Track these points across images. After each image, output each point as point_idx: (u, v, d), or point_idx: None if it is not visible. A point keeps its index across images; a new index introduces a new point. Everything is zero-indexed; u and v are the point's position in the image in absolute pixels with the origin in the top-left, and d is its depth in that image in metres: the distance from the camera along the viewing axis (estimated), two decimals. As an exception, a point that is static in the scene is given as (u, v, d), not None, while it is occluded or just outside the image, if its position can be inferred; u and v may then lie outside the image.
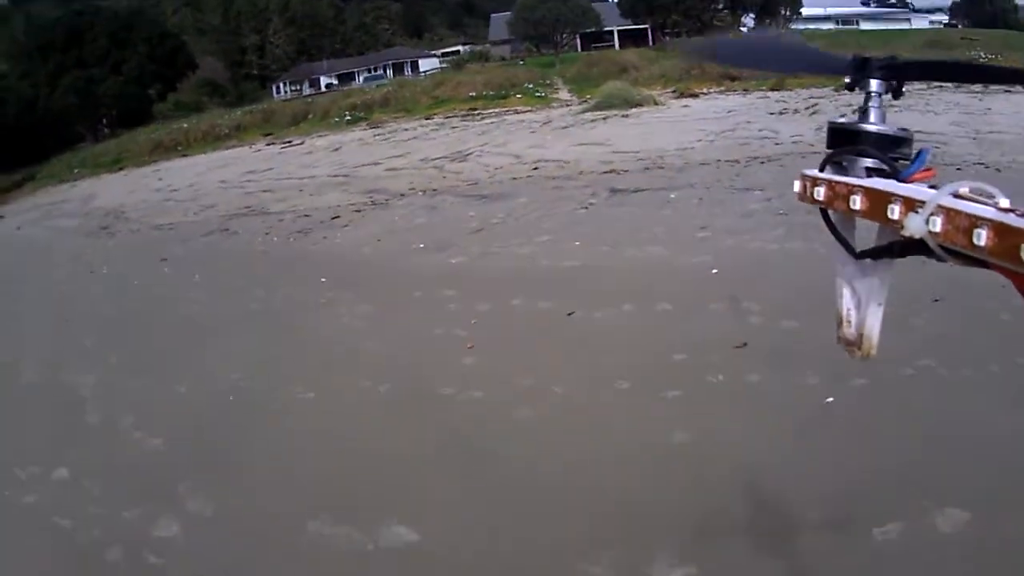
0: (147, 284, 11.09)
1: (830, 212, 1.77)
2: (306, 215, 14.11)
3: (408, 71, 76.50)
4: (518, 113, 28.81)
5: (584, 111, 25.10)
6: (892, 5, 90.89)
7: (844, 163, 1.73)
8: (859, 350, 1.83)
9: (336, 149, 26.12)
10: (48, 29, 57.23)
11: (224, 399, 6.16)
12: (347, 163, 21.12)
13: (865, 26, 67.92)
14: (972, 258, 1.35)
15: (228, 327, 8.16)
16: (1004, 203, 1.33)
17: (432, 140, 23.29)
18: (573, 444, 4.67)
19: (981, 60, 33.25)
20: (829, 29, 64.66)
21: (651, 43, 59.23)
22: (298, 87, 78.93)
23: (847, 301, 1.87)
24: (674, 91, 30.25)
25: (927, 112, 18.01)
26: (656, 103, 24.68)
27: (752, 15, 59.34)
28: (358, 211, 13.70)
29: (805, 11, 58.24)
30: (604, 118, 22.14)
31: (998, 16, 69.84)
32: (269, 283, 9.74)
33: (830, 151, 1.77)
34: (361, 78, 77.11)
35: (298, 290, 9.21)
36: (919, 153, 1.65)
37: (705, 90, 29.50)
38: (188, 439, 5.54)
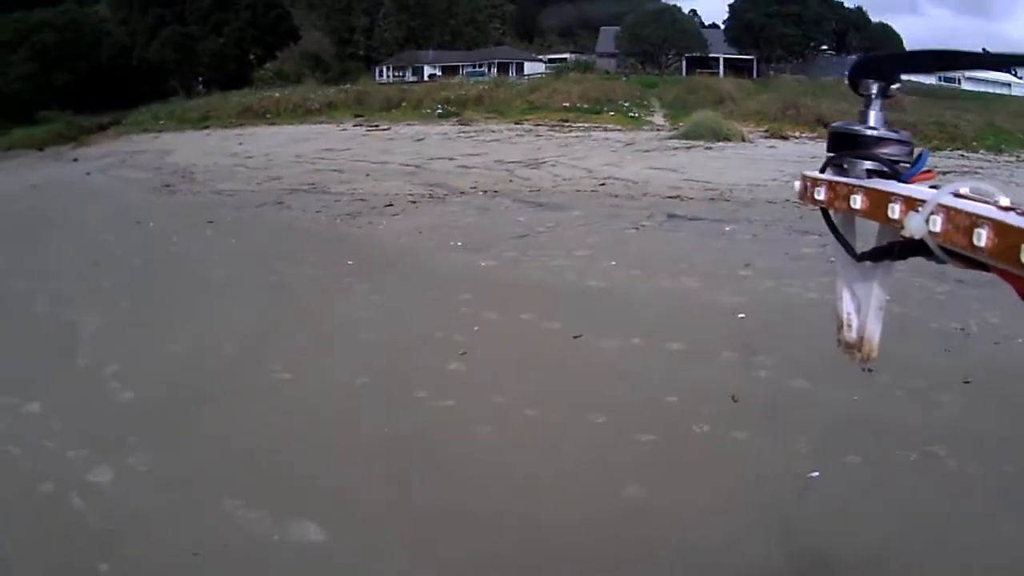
0: (185, 242, 11.24)
1: (831, 213, 1.78)
2: (362, 199, 14.05)
3: (512, 72, 76.54)
4: (607, 131, 28.59)
5: (671, 137, 24.84)
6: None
7: (845, 165, 1.71)
8: (859, 353, 1.83)
9: (419, 140, 26.13)
10: None
11: (207, 365, 6.17)
12: (423, 154, 21.05)
13: (967, 86, 66.12)
14: (972, 260, 1.34)
15: (242, 295, 8.20)
16: (1004, 202, 1.31)
17: (514, 145, 23.19)
18: (520, 471, 4.50)
19: None
20: (930, 84, 63.22)
21: (755, 74, 58.77)
22: (401, 73, 79.49)
23: (847, 304, 1.87)
24: (766, 130, 29.75)
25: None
26: (744, 139, 24.34)
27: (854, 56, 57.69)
28: (414, 202, 13.63)
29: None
30: (688, 147, 21.83)
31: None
32: (298, 259, 9.78)
33: (831, 154, 1.76)
34: (464, 72, 77.46)
35: (322, 270, 9.21)
36: (919, 155, 1.64)
37: (797, 134, 28.94)
38: (158, 398, 5.58)
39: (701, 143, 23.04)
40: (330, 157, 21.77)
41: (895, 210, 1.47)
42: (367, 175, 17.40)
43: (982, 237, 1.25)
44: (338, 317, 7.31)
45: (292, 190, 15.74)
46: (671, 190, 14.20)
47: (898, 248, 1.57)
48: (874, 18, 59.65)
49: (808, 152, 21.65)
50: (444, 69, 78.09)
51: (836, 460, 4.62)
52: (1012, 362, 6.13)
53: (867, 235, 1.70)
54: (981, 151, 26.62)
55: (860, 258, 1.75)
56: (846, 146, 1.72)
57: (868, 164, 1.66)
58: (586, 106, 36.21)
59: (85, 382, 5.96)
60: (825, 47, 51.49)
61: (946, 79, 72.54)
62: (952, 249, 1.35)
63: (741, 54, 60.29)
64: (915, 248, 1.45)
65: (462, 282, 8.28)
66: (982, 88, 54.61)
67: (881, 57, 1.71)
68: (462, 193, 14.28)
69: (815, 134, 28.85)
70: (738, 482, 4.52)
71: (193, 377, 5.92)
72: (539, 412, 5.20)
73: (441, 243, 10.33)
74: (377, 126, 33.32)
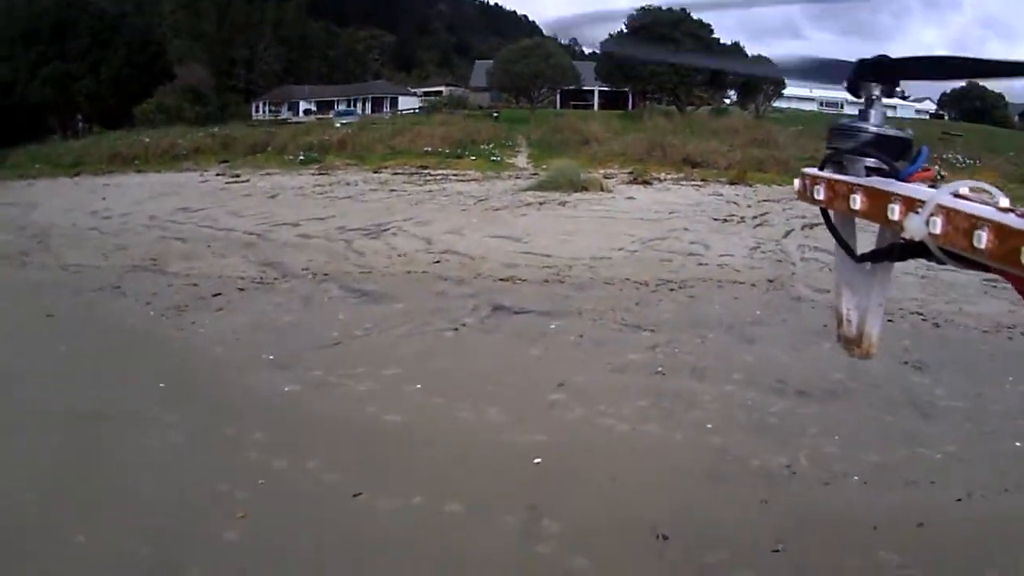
0: (18, 345, 10.77)
1: (831, 213, 1.87)
2: (195, 283, 13.71)
3: (387, 107, 76.67)
4: (464, 180, 28.62)
5: (527, 188, 24.85)
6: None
7: (844, 162, 1.80)
8: (859, 348, 1.93)
9: (273, 196, 25.91)
10: (36, 17, 57.66)
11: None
12: (271, 218, 20.77)
13: (849, 109, 68.02)
14: (972, 261, 1.40)
15: (52, 428, 7.74)
16: (1004, 203, 1.40)
17: (364, 203, 23.01)
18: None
19: (958, 163, 34.30)
20: (811, 110, 64.91)
21: (631, 106, 59.46)
22: (277, 109, 78.81)
23: (847, 301, 1.96)
24: (631, 172, 29.82)
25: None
26: (602, 188, 24.38)
27: (733, 92, 59.36)
28: (242, 289, 13.29)
29: (788, 91, 58.02)
30: (541, 202, 21.79)
31: (987, 111, 70.31)
32: (117, 377, 9.29)
33: (830, 150, 1.85)
34: (336, 110, 77.14)
35: (135, 395, 8.65)
36: (918, 152, 1.73)
37: (663, 175, 29.20)
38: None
39: (557, 195, 23.01)
40: (182, 220, 21.46)
41: (895, 211, 1.55)
42: (208, 246, 17.16)
43: (982, 239, 1.31)
44: (132, 464, 6.90)
45: (132, 267, 15.45)
46: (507, 269, 13.92)
47: (898, 250, 1.68)
48: (753, 48, 61.21)
49: (670, 203, 21.82)
50: (319, 104, 78.08)
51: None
52: (836, 514, 5.53)
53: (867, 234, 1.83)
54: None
55: (860, 259, 1.87)
56: (845, 142, 1.82)
57: (867, 161, 1.75)
58: (447, 151, 36.36)
59: None
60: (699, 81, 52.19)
61: (828, 104, 74.74)
62: (952, 251, 1.43)
63: (614, 87, 60.99)
64: (915, 249, 1.54)
65: (261, 415, 7.91)
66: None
67: (881, 61, 1.76)
68: (292, 277, 14.01)
69: (681, 174, 29.33)
70: None
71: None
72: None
73: (254, 355, 9.91)
74: (238, 176, 33.23)
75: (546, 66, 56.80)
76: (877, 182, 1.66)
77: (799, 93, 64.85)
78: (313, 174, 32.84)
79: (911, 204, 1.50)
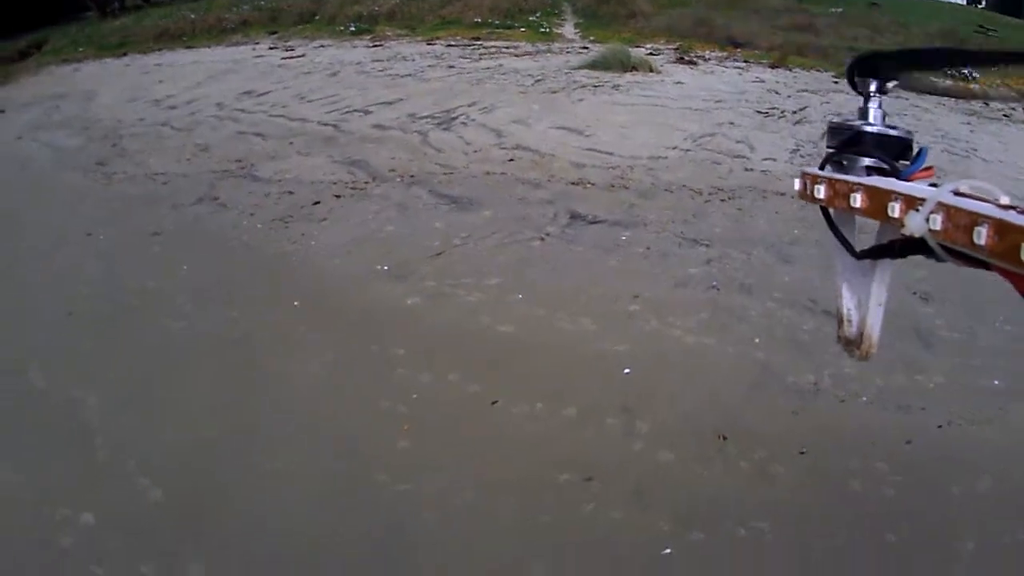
0: (139, 270, 11.07)
1: (831, 211, 1.92)
2: (290, 191, 13.97)
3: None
4: (517, 56, 28.38)
5: (579, 66, 24.89)
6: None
7: (844, 162, 1.86)
8: (859, 349, 1.96)
9: (334, 74, 25.66)
10: None
11: (203, 462, 6.53)
12: (340, 101, 20.79)
13: None
14: (973, 258, 1.44)
15: (209, 360, 8.34)
16: (1005, 200, 1.41)
17: (426, 83, 22.90)
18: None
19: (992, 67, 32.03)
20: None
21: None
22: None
23: (847, 300, 1.99)
24: (676, 48, 29.76)
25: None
26: (651, 69, 24.37)
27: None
28: (338, 196, 13.59)
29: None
30: (595, 84, 21.80)
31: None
32: (248, 297, 9.87)
33: (830, 150, 1.91)
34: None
35: (274, 315, 9.29)
36: (919, 152, 1.78)
37: (706, 54, 28.95)
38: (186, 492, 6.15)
39: (609, 76, 23.16)
40: (251, 108, 21.44)
41: (895, 208, 1.59)
42: (290, 143, 17.22)
43: (982, 235, 1.34)
44: (301, 387, 7.64)
45: (222, 173, 15.48)
46: (575, 170, 14.23)
47: (898, 246, 1.68)
48: None
49: (715, 89, 21.89)
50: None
51: (686, 538, 5.39)
52: (847, 427, 6.59)
53: (866, 231, 1.90)
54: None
55: (860, 256, 1.89)
56: (846, 142, 1.86)
57: (868, 161, 1.80)
58: (497, 21, 35.99)
59: (115, 482, 6.31)
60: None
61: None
62: (953, 247, 1.46)
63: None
64: (915, 246, 1.57)
65: (394, 329, 8.63)
66: None
67: (880, 55, 1.80)
68: (381, 181, 14.28)
69: (724, 53, 29.04)
70: (585, 558, 5.29)
71: (197, 476, 6.33)
72: (472, 497, 5.88)
73: (369, 268, 10.48)
74: (292, 50, 32.88)
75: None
76: (878, 181, 1.71)
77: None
78: (367, 46, 32.38)
79: (911, 202, 1.55)
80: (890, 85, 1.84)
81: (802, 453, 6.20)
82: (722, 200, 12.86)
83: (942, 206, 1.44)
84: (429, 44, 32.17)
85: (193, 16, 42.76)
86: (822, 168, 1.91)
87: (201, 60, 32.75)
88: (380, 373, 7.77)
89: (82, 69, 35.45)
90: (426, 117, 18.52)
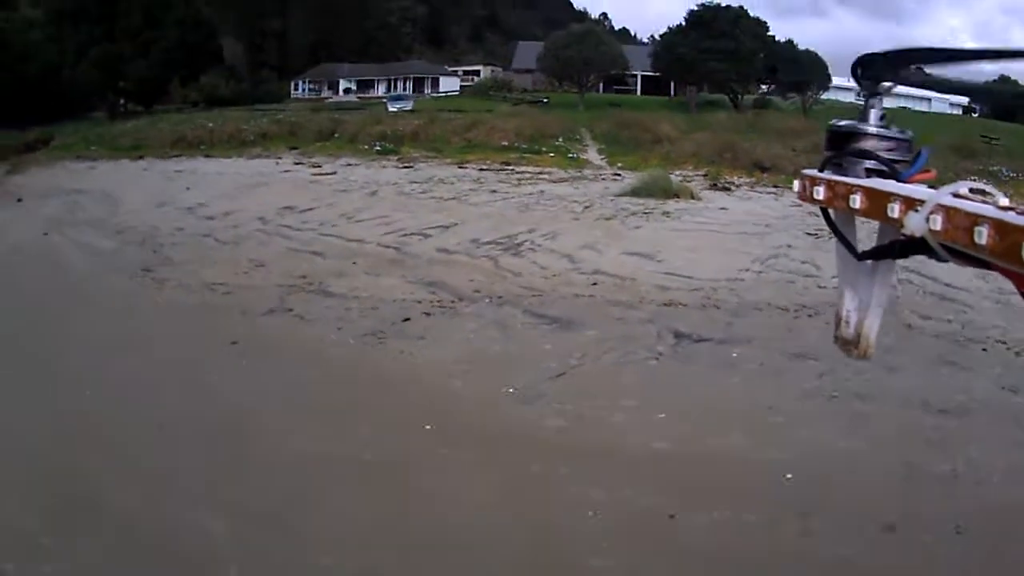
0: (224, 381, 10.60)
1: (831, 212, 1.90)
2: (373, 307, 13.54)
3: (427, 87, 77.33)
4: (555, 182, 28.52)
5: (622, 193, 24.91)
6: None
7: (844, 164, 1.84)
8: (856, 349, 1.95)
9: (373, 193, 25.66)
10: None
11: None
12: (392, 223, 20.55)
13: (887, 103, 66.68)
14: (974, 258, 1.44)
15: (343, 482, 7.81)
16: (1004, 202, 1.42)
17: (475, 207, 22.83)
18: None
19: (1002, 176, 32.41)
20: (849, 102, 64.05)
21: (672, 93, 60.10)
22: (317, 87, 79.62)
23: (848, 301, 1.98)
24: (706, 174, 30.10)
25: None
26: (692, 196, 24.58)
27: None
28: (427, 314, 13.21)
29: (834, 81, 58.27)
30: (645, 212, 21.77)
31: (1019, 108, 66.99)
32: (371, 417, 9.32)
33: (829, 153, 1.89)
34: (380, 88, 77.97)
35: (407, 437, 8.80)
36: (918, 154, 1.78)
37: (735, 179, 29.29)
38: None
39: (655, 204, 23.11)
40: (297, 224, 21.22)
41: (895, 209, 1.58)
42: (353, 263, 16.88)
43: (983, 235, 1.35)
44: (466, 507, 7.26)
45: (290, 288, 15.06)
46: (661, 292, 14.09)
47: (899, 246, 1.68)
48: (777, 27, 60.57)
49: (759, 214, 22.00)
50: (360, 84, 78.61)
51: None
52: (989, 505, 7.09)
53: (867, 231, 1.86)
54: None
55: (860, 257, 1.89)
56: (844, 145, 1.85)
57: (867, 163, 1.79)
58: (524, 146, 36.34)
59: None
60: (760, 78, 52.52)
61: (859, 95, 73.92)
62: (953, 247, 1.46)
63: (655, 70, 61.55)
64: (916, 246, 1.57)
65: (549, 449, 8.40)
66: (901, 103, 55.63)
67: (880, 54, 1.79)
68: (469, 300, 13.95)
69: (752, 179, 29.35)
70: None
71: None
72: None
73: (493, 388, 10.09)
74: (320, 168, 32.88)
75: (596, 53, 57.64)
76: (877, 183, 1.70)
77: (842, 83, 61.15)
78: (397, 167, 32.54)
79: (911, 203, 1.55)
80: (886, 84, 1.84)
81: (958, 533, 6.59)
82: (809, 316, 12.88)
83: (942, 207, 1.45)
84: (460, 167, 32.31)
85: (211, 125, 43.06)
86: (821, 170, 1.89)
87: (225, 171, 32.79)
88: (549, 493, 7.54)
89: (97, 167, 35.79)
90: (490, 243, 18.38)
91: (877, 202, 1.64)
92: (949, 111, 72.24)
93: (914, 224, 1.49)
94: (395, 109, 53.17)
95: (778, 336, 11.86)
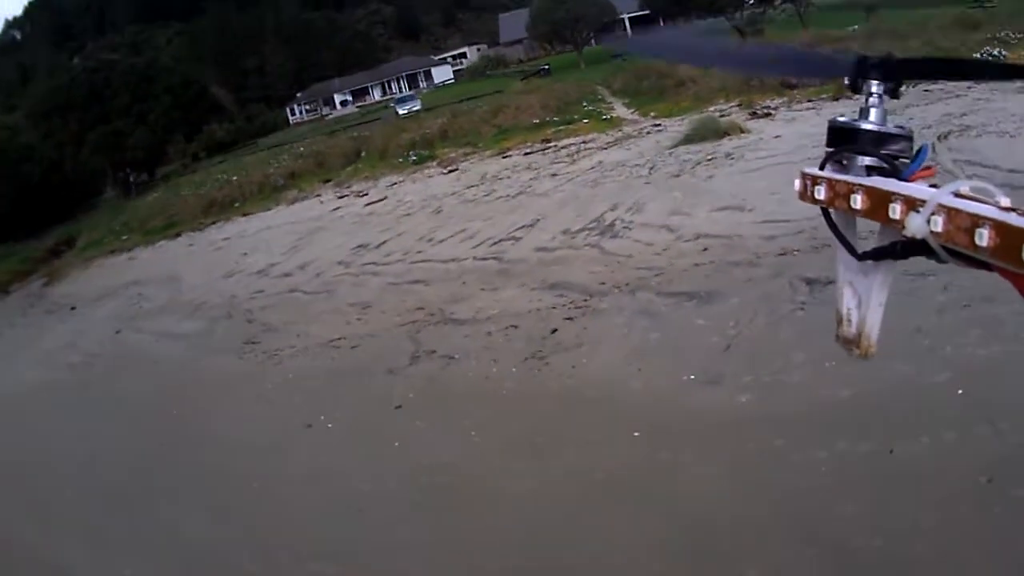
0: (410, 447, 10.61)
1: (831, 211, 1.89)
2: (513, 326, 13.39)
3: (423, 82, 77.58)
4: (603, 148, 28.14)
5: (675, 144, 24.69)
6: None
7: (844, 161, 1.83)
8: (858, 348, 1.94)
9: (437, 211, 25.07)
10: (66, 90, 57.09)
11: None
12: (476, 236, 20.22)
13: None
14: (974, 259, 1.43)
15: (599, 509, 8.04)
16: (1005, 203, 1.41)
17: (545, 196, 22.49)
18: None
19: (1011, 39, 31.17)
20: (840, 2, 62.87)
21: (661, 25, 59.89)
22: (314, 107, 80.00)
23: (848, 300, 1.97)
24: (739, 104, 29.90)
25: None
26: (742, 130, 24.36)
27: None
28: (569, 319, 13.13)
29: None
30: (708, 159, 21.46)
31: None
32: (575, 439, 9.45)
33: (830, 150, 1.88)
34: (376, 93, 78.38)
35: (620, 450, 8.99)
36: (919, 151, 1.75)
37: (770, 103, 28.97)
38: None
39: (710, 146, 23.01)
40: (380, 260, 20.86)
41: (896, 210, 1.58)
42: (463, 282, 16.60)
43: (984, 237, 1.35)
44: (732, 513, 7.50)
45: (415, 324, 14.83)
46: (770, 243, 13.89)
47: (900, 247, 1.67)
48: None
49: (809, 136, 21.31)
50: (354, 93, 79.04)
51: None
52: None
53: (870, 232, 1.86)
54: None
55: (861, 257, 1.88)
56: (845, 142, 1.84)
57: (867, 160, 1.78)
58: (555, 119, 35.86)
59: None
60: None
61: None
62: (954, 248, 1.46)
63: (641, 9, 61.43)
64: (917, 247, 1.57)
65: (752, 426, 8.69)
66: None
67: (881, 60, 1.78)
68: (599, 295, 13.80)
69: (784, 98, 29.03)
70: None
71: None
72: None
73: (670, 378, 10.25)
74: (365, 194, 32.45)
75: (584, 9, 57.76)
76: (878, 182, 1.70)
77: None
78: (443, 174, 31.93)
79: (912, 203, 1.54)
80: (887, 85, 1.82)
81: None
82: None
83: (943, 207, 1.46)
84: (504, 157, 31.93)
85: (235, 178, 42.41)
86: (822, 168, 1.91)
87: (272, 224, 32.27)
88: (780, 462, 7.97)
89: (138, 257, 35.13)
90: (582, 230, 18.16)
91: (878, 202, 1.66)
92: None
93: (915, 226, 1.51)
94: (405, 111, 53.67)
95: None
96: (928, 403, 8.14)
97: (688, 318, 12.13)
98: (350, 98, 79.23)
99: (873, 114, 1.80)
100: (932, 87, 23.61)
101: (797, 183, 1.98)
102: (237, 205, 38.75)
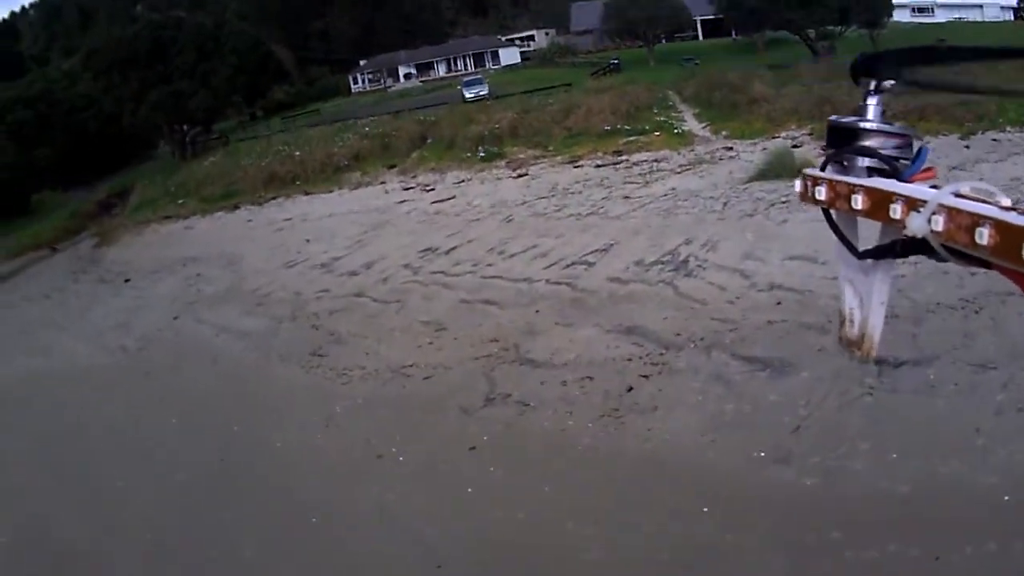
0: (484, 494, 10.58)
1: (832, 212, 1.91)
2: (589, 377, 13.15)
3: (488, 61, 77.56)
4: (676, 172, 27.79)
5: (750, 180, 24.32)
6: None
7: (845, 162, 1.85)
8: (860, 350, 1.97)
9: (508, 220, 25.00)
10: (129, 44, 57.15)
11: None
12: (548, 254, 20.07)
13: (940, 16, 66.14)
14: (974, 258, 1.45)
15: None
16: (1005, 202, 1.43)
17: (618, 219, 22.26)
18: None
19: None
20: (907, 21, 62.42)
21: (732, 34, 59.64)
22: (377, 78, 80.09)
23: (850, 301, 1.99)
24: (811, 133, 29.42)
25: None
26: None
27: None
28: (645, 376, 12.86)
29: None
30: (783, 201, 20.89)
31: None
32: (649, 509, 9.46)
33: (830, 151, 1.90)
34: (440, 69, 78.78)
35: (691, 527, 9.00)
36: (919, 152, 1.77)
37: None
38: None
39: (783, 186, 22.16)
40: (450, 270, 20.69)
41: (896, 210, 1.59)
42: (536, 311, 16.44)
43: (984, 236, 1.38)
44: None
45: (487, 359, 14.62)
46: (837, 301, 13.21)
47: (900, 246, 1.67)
48: None
49: None
50: (419, 67, 78.99)
51: None
52: None
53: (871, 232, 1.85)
54: (1009, 128, 25.52)
55: (862, 256, 1.89)
56: (846, 142, 1.84)
57: (868, 161, 1.79)
58: (627, 127, 35.41)
59: None
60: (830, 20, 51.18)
61: (919, 9, 73.10)
62: (954, 247, 1.48)
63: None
64: (917, 246, 1.58)
65: (818, 513, 8.79)
66: (956, 15, 54.73)
67: (880, 54, 1.77)
68: (675, 348, 13.56)
69: None
70: None
71: None
72: None
73: (744, 454, 10.22)
74: (432, 188, 32.37)
75: (658, 8, 57.69)
76: (879, 183, 1.70)
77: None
78: (512, 177, 31.70)
79: (913, 203, 1.54)
80: (887, 84, 1.84)
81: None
82: (975, 312, 12.69)
83: (943, 207, 1.47)
84: (575, 167, 31.63)
85: (298, 153, 42.13)
86: (823, 169, 1.93)
87: (335, 210, 32.19)
88: (839, 555, 8.10)
89: (195, 227, 35.13)
90: (656, 263, 18.00)
91: (879, 203, 1.67)
92: (1001, 17, 70.30)
93: (916, 225, 1.52)
94: (472, 95, 53.79)
95: (958, 344, 11.79)
96: (977, 508, 8.29)
97: (761, 390, 11.95)
98: (414, 72, 79.15)
99: (872, 113, 1.84)
100: (1000, 136, 23.71)
101: (798, 184, 2.03)
102: (298, 183, 38.72)
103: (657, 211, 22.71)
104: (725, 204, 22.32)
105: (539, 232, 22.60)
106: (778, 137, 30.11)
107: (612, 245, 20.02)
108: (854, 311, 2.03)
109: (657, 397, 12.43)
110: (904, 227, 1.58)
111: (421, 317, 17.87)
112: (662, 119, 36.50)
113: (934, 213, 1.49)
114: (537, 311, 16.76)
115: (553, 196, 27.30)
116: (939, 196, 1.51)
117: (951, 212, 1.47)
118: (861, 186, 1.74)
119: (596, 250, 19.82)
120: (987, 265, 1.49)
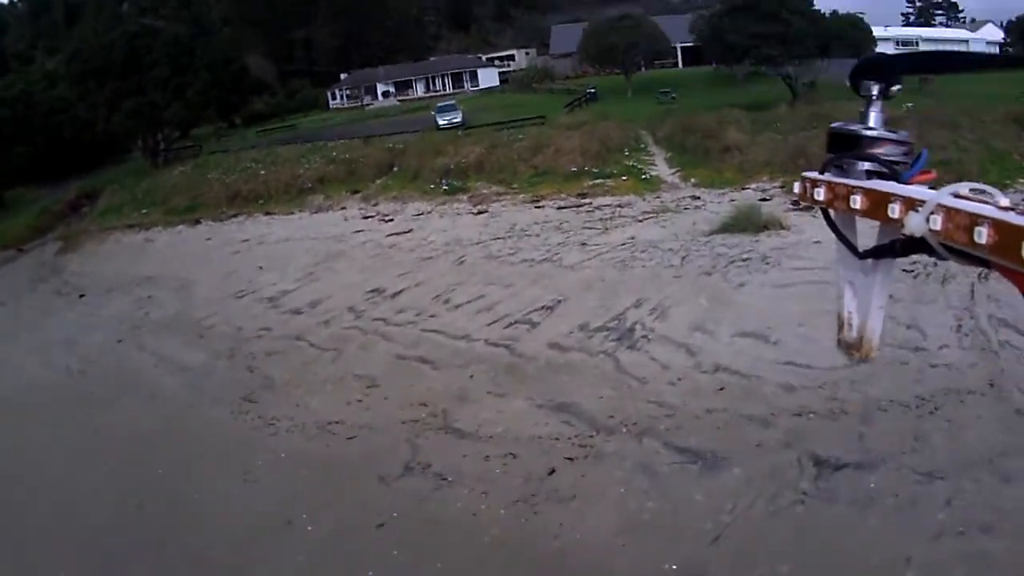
0: None
1: (832, 213, 1.93)
2: (512, 455, 12.75)
3: (467, 83, 77.36)
4: (638, 220, 27.40)
5: (712, 232, 23.85)
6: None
7: (844, 166, 1.87)
8: (859, 352, 1.97)
9: (460, 261, 24.59)
10: (104, 53, 56.34)
11: None
12: (493, 308, 19.57)
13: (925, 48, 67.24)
14: (973, 257, 1.47)
15: None
16: (1004, 202, 1.44)
17: (571, 270, 21.83)
18: None
19: None
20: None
21: (712, 63, 59.42)
22: (356, 95, 79.84)
23: (849, 303, 2.00)
24: (782, 186, 28.83)
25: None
26: (782, 226, 23.34)
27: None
28: (570, 459, 12.43)
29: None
30: (744, 259, 20.54)
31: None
32: None
33: (830, 155, 1.92)
34: (419, 88, 78.19)
35: None
36: (919, 155, 1.80)
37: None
38: None
39: (747, 241, 22.19)
40: (393, 318, 20.26)
41: (895, 210, 1.62)
42: (470, 376, 16.02)
43: (983, 235, 1.39)
44: None
45: (414, 424, 14.28)
46: (788, 395, 13.17)
47: (899, 245, 1.70)
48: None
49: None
50: (397, 85, 78.69)
51: None
52: None
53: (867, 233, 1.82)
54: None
55: (862, 256, 1.91)
56: (845, 147, 1.87)
57: (867, 165, 1.82)
58: (594, 169, 34.85)
59: None
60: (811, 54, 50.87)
61: (903, 43, 74.11)
62: (953, 246, 1.50)
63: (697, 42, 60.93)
64: (916, 245, 1.60)
65: None
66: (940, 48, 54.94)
67: (879, 58, 1.84)
68: (607, 433, 13.10)
69: None
70: None
71: None
72: None
73: (655, 565, 9.82)
74: (391, 219, 32.11)
75: (638, 34, 57.51)
76: (877, 184, 1.73)
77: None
78: (472, 214, 31.36)
79: (911, 203, 1.57)
80: (894, 89, 1.85)
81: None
82: (930, 413, 12.23)
83: (942, 207, 1.49)
84: (537, 207, 31.35)
85: (263, 172, 41.99)
86: (823, 172, 1.92)
87: (292, 234, 32.09)
88: None
89: (156, 240, 35.29)
90: (600, 329, 17.42)
91: (878, 202, 1.69)
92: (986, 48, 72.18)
93: (914, 224, 1.54)
94: (445, 122, 53.14)
95: (906, 448, 11.39)
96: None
97: (687, 488, 11.52)
98: (393, 90, 78.85)
99: (872, 118, 1.85)
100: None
101: (797, 186, 2.04)
102: (261, 202, 38.70)
103: (613, 262, 22.25)
104: (684, 258, 21.88)
105: (489, 279, 22.24)
106: (748, 188, 29.78)
107: (560, 302, 19.54)
108: (852, 313, 2.01)
109: (578, 485, 12.05)
110: (903, 227, 1.57)
111: (355, 370, 17.55)
112: (631, 163, 35.88)
113: (932, 213, 1.49)
114: (471, 376, 16.35)
115: (510, 237, 27.00)
116: (937, 196, 1.51)
117: (950, 212, 1.48)
118: (859, 187, 1.74)
119: (543, 307, 19.38)
120: (987, 264, 1.49)
